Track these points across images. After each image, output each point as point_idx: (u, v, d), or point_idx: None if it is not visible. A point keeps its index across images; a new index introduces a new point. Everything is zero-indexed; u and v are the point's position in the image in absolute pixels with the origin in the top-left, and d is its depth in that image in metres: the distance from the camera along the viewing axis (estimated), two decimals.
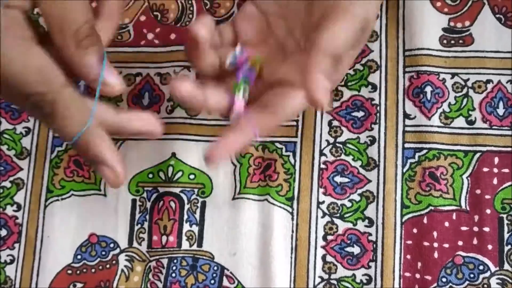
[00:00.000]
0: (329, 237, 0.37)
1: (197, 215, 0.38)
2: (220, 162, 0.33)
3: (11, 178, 0.40)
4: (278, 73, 0.34)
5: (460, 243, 0.36)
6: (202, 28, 0.31)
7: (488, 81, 0.38)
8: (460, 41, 0.39)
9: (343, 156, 0.38)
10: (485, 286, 0.35)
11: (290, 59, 0.35)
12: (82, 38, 0.29)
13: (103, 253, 0.38)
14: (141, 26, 0.41)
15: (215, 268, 0.37)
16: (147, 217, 0.38)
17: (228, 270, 0.37)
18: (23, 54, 0.27)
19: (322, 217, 0.37)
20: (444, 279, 0.36)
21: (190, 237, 0.38)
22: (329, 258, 0.37)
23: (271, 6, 0.35)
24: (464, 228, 0.36)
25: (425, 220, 0.36)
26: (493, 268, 0.36)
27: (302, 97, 0.32)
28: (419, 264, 0.36)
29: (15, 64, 0.27)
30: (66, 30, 0.28)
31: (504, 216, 0.36)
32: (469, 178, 0.37)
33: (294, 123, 0.39)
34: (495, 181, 0.37)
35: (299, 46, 0.34)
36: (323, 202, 0.37)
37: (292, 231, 0.37)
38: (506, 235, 0.36)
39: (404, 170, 0.37)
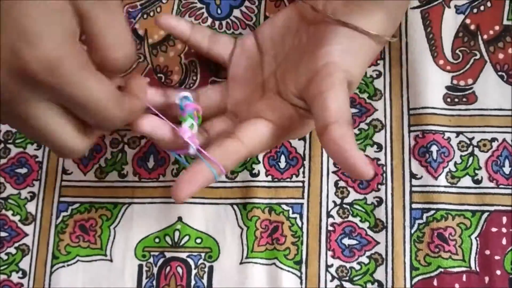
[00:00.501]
0: None
1: (205, 281, 0.38)
2: (187, 198, 0.31)
3: (16, 244, 0.39)
4: (253, 110, 0.34)
5: None
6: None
7: (493, 139, 0.38)
8: (464, 99, 0.39)
9: (350, 218, 0.38)
10: None
11: (266, 96, 0.35)
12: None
13: None
14: None
15: None
16: (154, 282, 0.38)
17: None
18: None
19: (331, 280, 0.37)
20: None
21: None
22: None
23: (268, 44, 0.37)
24: None
25: (435, 282, 0.36)
26: None
27: (271, 129, 0.33)
28: None
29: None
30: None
31: None
32: (478, 239, 0.37)
33: (300, 184, 0.39)
34: (504, 241, 0.37)
35: (277, 86, 0.35)
36: (332, 265, 0.37)
37: None
38: None
39: (412, 231, 0.37)
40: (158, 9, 0.43)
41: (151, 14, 0.43)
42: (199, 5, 0.43)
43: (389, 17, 0.34)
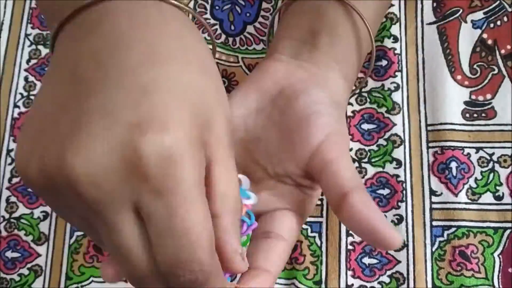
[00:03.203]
0: None
1: None
2: None
3: (29, 265, 0.39)
4: (259, 205, 0.31)
5: None
6: None
7: None
8: (483, 115, 0.39)
9: None
10: None
11: (263, 187, 0.32)
12: None
13: None
14: None
15: None
16: None
17: None
18: None
19: None
20: None
21: None
22: None
23: (238, 134, 0.33)
24: None
25: None
26: None
27: (296, 217, 0.31)
28: None
29: None
30: None
31: None
32: (500, 256, 0.36)
33: (319, 202, 0.38)
34: None
35: (266, 172, 0.32)
36: (352, 285, 0.36)
37: None
38: None
39: (434, 249, 0.36)
40: None
41: None
42: (212, 21, 0.42)
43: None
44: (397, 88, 0.40)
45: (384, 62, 0.40)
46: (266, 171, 0.32)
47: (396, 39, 0.41)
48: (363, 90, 0.40)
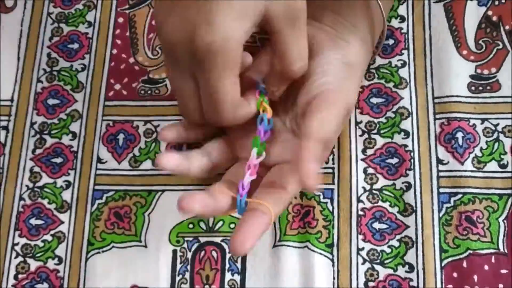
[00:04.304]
0: (371, 284, 0.37)
1: (239, 264, 0.38)
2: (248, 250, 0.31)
3: (52, 232, 0.40)
4: (272, 155, 0.35)
5: (500, 286, 0.37)
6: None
7: None
8: (488, 87, 0.40)
9: (380, 203, 0.39)
10: None
11: (279, 139, 0.36)
12: None
13: None
14: None
15: None
16: (188, 267, 0.39)
17: None
18: None
19: (363, 263, 0.38)
20: None
21: (233, 286, 0.38)
22: None
23: None
24: (503, 271, 0.37)
25: (464, 264, 0.37)
26: None
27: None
28: None
29: None
30: None
31: None
32: (505, 221, 0.38)
33: (330, 170, 0.40)
34: None
35: (285, 126, 0.36)
36: (363, 248, 0.38)
37: (334, 278, 0.38)
38: None
39: (441, 214, 0.38)
40: None
41: None
42: None
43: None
44: (403, 64, 0.41)
45: (391, 41, 0.42)
46: (285, 124, 0.36)
47: (403, 19, 0.43)
48: (371, 66, 0.42)
